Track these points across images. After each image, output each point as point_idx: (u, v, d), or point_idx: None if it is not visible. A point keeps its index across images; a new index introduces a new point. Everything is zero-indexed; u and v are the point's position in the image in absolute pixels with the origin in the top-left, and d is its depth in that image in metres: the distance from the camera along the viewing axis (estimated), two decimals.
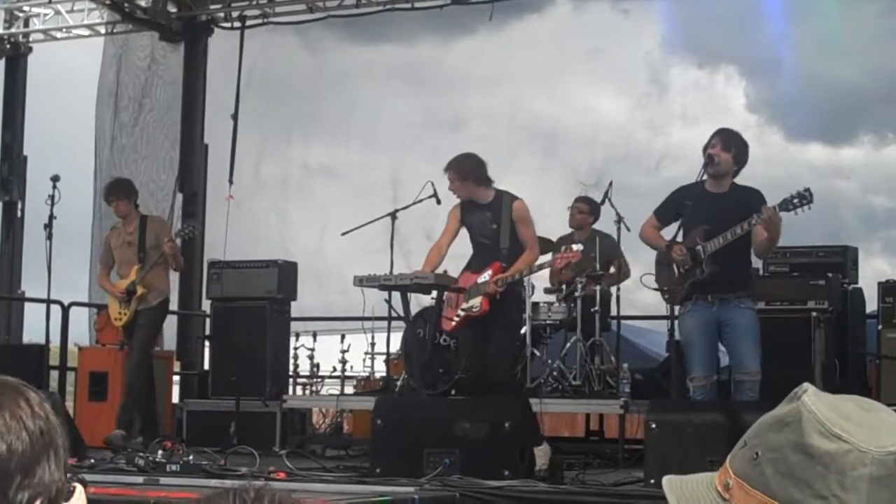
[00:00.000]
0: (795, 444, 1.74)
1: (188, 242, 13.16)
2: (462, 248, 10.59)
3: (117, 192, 12.14)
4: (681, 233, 9.27)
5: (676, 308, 9.37)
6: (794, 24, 16.28)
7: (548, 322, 12.00)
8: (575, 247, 10.80)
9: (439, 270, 10.46)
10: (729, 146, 9.13)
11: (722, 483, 1.82)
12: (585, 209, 12.50)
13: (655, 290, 9.61)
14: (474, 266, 10.28)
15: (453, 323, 10.23)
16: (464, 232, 10.50)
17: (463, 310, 10.10)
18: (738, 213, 8.95)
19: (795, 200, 8.79)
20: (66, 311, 13.58)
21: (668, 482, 1.92)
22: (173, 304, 15.95)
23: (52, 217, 11.20)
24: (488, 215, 10.18)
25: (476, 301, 10.06)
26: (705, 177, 9.13)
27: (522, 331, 11.62)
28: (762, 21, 16.58)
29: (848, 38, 16.62)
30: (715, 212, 9.06)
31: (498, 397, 10.06)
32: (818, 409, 1.73)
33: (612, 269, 12.11)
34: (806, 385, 1.80)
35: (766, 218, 8.76)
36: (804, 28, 16.76)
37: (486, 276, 10.05)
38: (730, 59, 19.26)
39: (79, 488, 1.92)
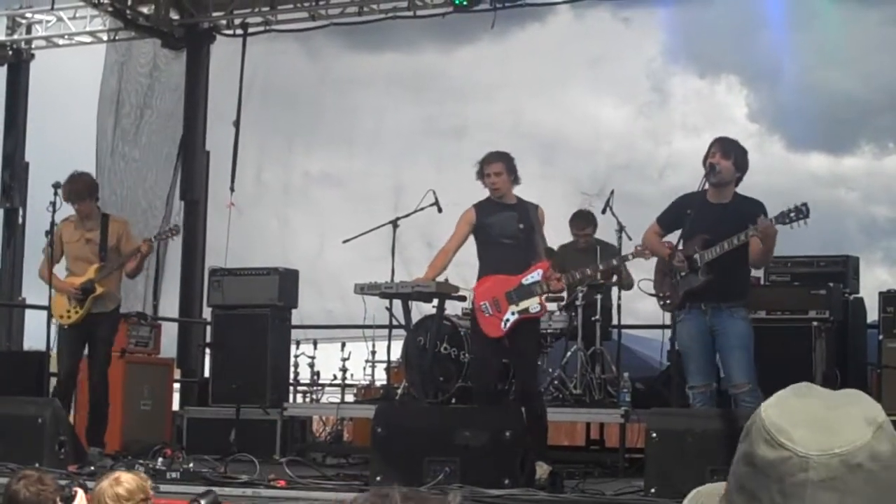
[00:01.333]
0: (745, 455, 1.76)
1: (165, 245, 12.79)
2: (463, 255, 10.53)
3: (83, 192, 11.43)
4: (681, 241, 9.28)
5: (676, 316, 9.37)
6: (795, 33, 16.31)
7: (548, 331, 11.98)
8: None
9: (441, 278, 10.41)
10: (728, 153, 9.13)
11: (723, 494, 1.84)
12: (589, 231, 12.53)
13: (653, 295, 9.62)
14: (501, 268, 10.08)
15: (504, 326, 10.01)
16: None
17: (518, 312, 9.94)
18: (738, 224, 8.95)
19: (792, 214, 8.82)
20: None
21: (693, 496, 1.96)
22: (173, 312, 16.03)
23: (53, 224, 11.13)
24: (514, 215, 10.03)
25: (533, 301, 9.90)
26: (707, 186, 9.13)
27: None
28: (763, 30, 16.61)
29: (849, 47, 16.66)
30: (715, 221, 9.06)
31: (497, 406, 10.05)
32: (768, 416, 1.74)
33: (614, 278, 12.11)
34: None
35: (762, 230, 8.78)
36: (805, 37, 16.79)
37: (535, 276, 9.91)
38: (731, 69, 19.31)
39: (80, 493, 1.93)
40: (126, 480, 4.76)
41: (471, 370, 11.13)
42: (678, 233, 9.28)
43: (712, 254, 8.96)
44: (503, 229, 10.05)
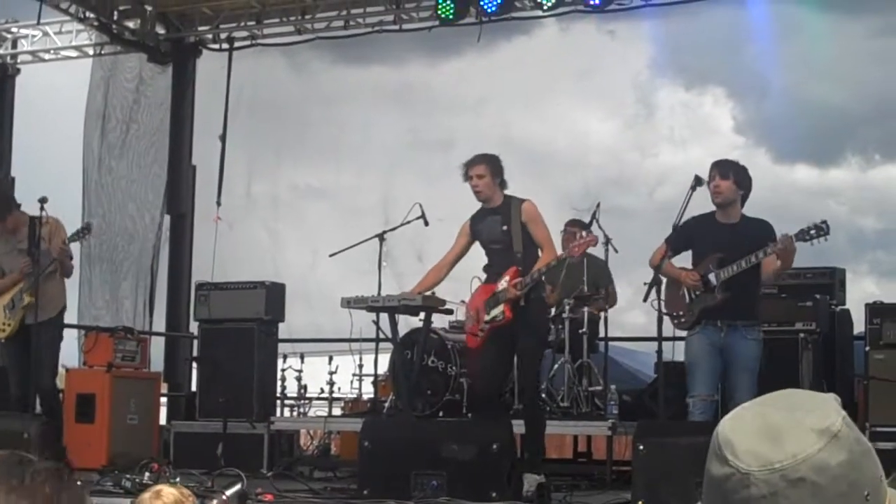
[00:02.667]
0: (706, 471, 1.77)
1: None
2: (461, 272, 10.52)
3: (5, 207, 11.18)
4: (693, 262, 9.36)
5: (670, 330, 9.39)
6: (781, 45, 16.34)
7: None
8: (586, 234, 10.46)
9: (429, 293, 10.39)
10: (726, 174, 9.18)
11: None
12: (578, 230, 12.50)
13: (666, 314, 9.56)
14: (490, 276, 10.10)
15: (479, 338, 10.04)
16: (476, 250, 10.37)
17: (486, 322, 9.95)
18: (749, 244, 9.04)
19: (812, 231, 8.89)
20: None
21: None
22: (159, 326, 15.99)
23: (39, 238, 11.06)
24: (498, 218, 9.99)
25: (498, 310, 9.86)
26: (713, 207, 9.21)
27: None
28: (749, 43, 16.64)
29: (835, 59, 16.71)
30: (728, 241, 9.13)
31: (487, 419, 10.02)
32: (722, 429, 1.75)
33: (602, 292, 12.12)
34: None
35: (783, 248, 8.84)
36: (791, 50, 16.84)
37: (503, 284, 9.90)
38: (717, 81, 19.38)
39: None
40: (166, 494, 4.73)
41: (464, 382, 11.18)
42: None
43: (729, 272, 9.02)
44: (490, 234, 10.04)
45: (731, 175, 9.21)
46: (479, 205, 10.10)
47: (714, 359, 9.12)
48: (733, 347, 9.09)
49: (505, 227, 9.95)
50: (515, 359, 10.05)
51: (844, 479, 1.69)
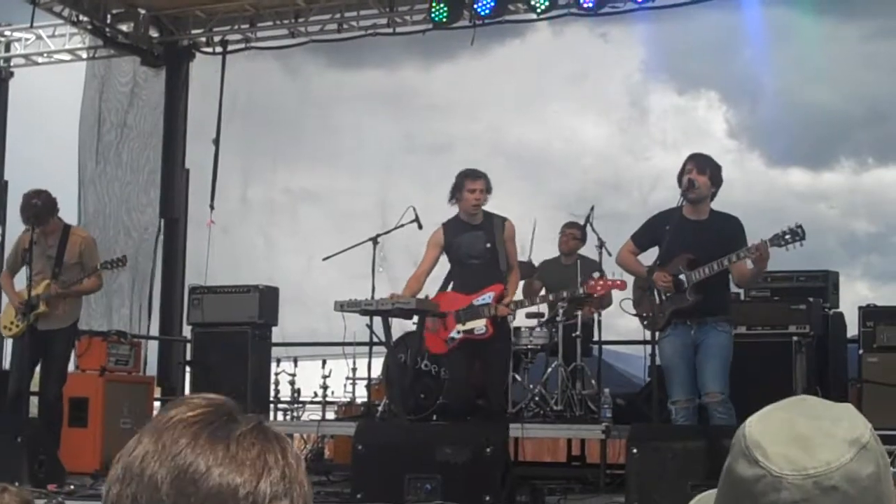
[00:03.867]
0: (727, 470, 1.75)
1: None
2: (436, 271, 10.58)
3: (43, 215, 11.03)
4: (659, 258, 9.29)
5: (657, 333, 9.35)
6: (774, 49, 16.34)
7: (529, 347, 11.99)
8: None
9: (422, 297, 10.45)
10: (704, 168, 9.15)
11: None
12: (578, 234, 12.52)
13: (635, 315, 9.61)
14: (462, 287, 10.17)
15: (448, 345, 10.10)
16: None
17: (463, 331, 9.99)
18: (719, 242, 8.98)
19: (787, 236, 8.81)
20: None
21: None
22: (153, 329, 15.97)
23: (33, 242, 11.03)
24: (481, 234, 10.12)
25: (480, 323, 9.96)
26: (683, 202, 9.13)
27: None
28: (742, 47, 16.65)
29: (828, 63, 16.72)
30: (696, 239, 9.07)
31: (481, 422, 10.05)
32: (750, 431, 1.73)
33: (595, 295, 12.10)
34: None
35: (755, 253, 8.80)
36: (784, 54, 16.83)
37: (486, 298, 9.95)
38: (710, 85, 19.37)
39: None
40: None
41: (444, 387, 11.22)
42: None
43: (701, 274, 8.96)
44: (470, 249, 10.15)
45: (708, 171, 9.18)
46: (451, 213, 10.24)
47: (688, 360, 9.09)
48: (704, 340, 9.05)
49: (489, 245, 10.09)
50: (485, 373, 10.17)
51: (872, 491, 1.68)
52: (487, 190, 10.15)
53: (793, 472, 1.67)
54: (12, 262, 11.42)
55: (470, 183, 10.13)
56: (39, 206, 11.03)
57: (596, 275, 10.84)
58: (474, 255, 10.17)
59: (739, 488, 1.71)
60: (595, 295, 10.64)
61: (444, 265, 10.63)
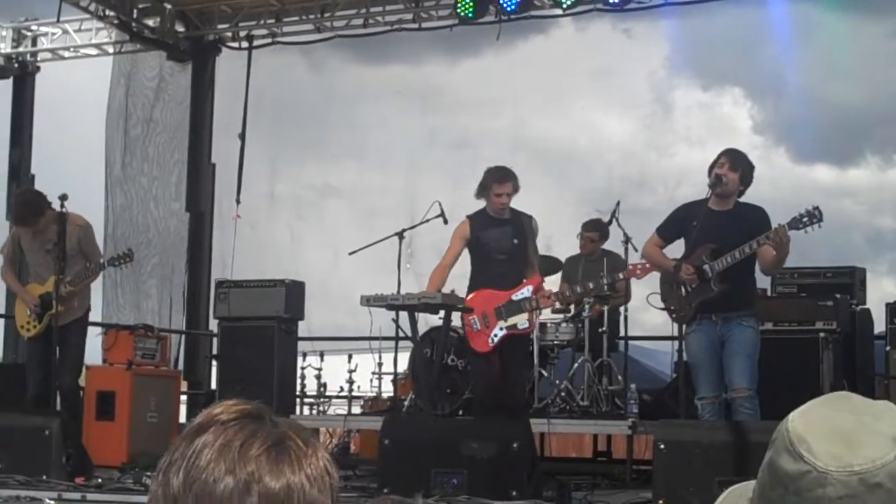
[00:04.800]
0: (769, 464, 1.75)
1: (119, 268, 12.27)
2: (461, 268, 10.57)
3: (28, 217, 10.89)
4: (686, 251, 9.29)
5: (683, 328, 9.33)
6: (799, 46, 16.30)
7: (555, 342, 12.00)
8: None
9: (446, 290, 10.44)
10: (736, 166, 9.12)
11: None
12: (595, 237, 12.52)
13: (662, 309, 9.60)
14: (491, 283, 10.16)
15: (492, 342, 10.09)
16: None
17: (506, 327, 9.99)
18: (744, 231, 8.95)
19: (805, 219, 8.76)
20: None
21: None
22: (178, 324, 16.02)
23: (60, 235, 11.03)
24: (508, 230, 10.11)
25: (522, 318, 9.96)
26: (710, 194, 9.11)
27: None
28: (767, 43, 16.61)
29: (854, 60, 16.68)
30: (720, 230, 9.04)
31: (506, 417, 10.04)
32: (794, 426, 1.73)
33: (618, 289, 12.09)
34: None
35: (776, 238, 8.75)
36: (810, 50, 16.81)
37: (525, 292, 9.95)
38: (735, 81, 19.34)
39: None
40: None
41: (470, 382, 11.20)
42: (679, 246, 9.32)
43: (724, 263, 8.95)
44: (498, 244, 10.13)
45: (741, 169, 9.16)
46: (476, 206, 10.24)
47: (714, 356, 9.08)
48: (729, 335, 9.05)
49: (516, 241, 10.06)
50: (510, 369, 10.19)
51: None
52: (515, 190, 10.14)
53: (838, 468, 1.67)
54: (10, 255, 11.27)
55: (497, 187, 10.12)
56: (25, 207, 10.98)
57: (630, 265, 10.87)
58: (502, 251, 10.15)
59: (783, 483, 1.71)
60: (636, 278, 10.58)
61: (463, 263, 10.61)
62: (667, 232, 9.46)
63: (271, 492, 1.75)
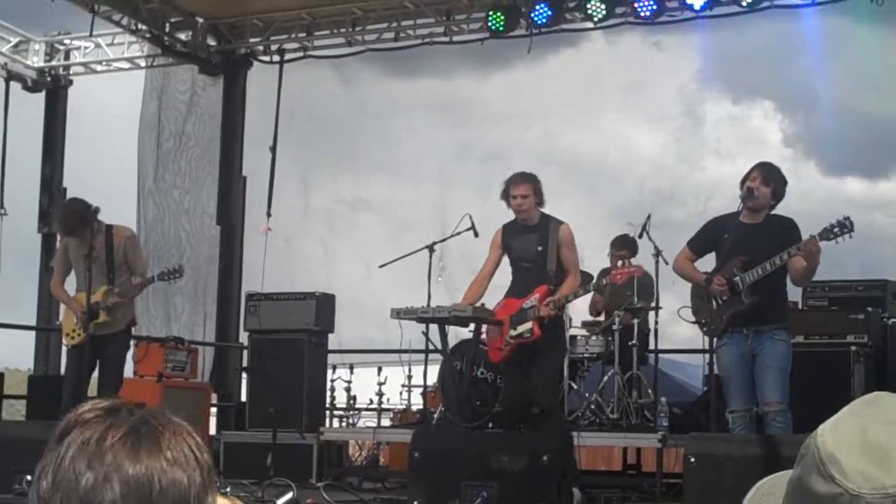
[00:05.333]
0: (799, 482, 1.71)
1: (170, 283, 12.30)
2: (503, 279, 10.57)
3: (76, 226, 10.91)
4: (717, 264, 9.28)
5: (714, 341, 9.31)
6: (830, 58, 16.26)
7: (585, 355, 12.00)
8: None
9: (478, 304, 10.45)
10: (768, 180, 9.11)
11: None
12: (625, 253, 12.51)
13: (693, 322, 9.58)
14: (517, 291, 10.19)
15: (502, 352, 10.13)
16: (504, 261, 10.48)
17: (512, 337, 10.01)
18: (775, 243, 8.93)
19: (836, 229, 8.73)
20: None
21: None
22: (209, 336, 16.06)
23: (91, 248, 11.08)
24: (534, 237, 10.11)
25: (526, 326, 9.95)
26: (741, 207, 9.11)
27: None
28: (798, 56, 16.57)
29: (885, 72, 16.60)
30: (751, 242, 9.04)
31: (537, 430, 10.04)
32: (824, 444, 1.68)
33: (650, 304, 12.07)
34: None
35: (807, 249, 8.73)
36: (841, 63, 16.76)
37: (532, 301, 9.96)
38: (765, 94, 19.29)
39: None
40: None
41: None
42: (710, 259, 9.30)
43: (755, 275, 8.93)
44: (523, 252, 10.15)
45: (773, 184, 9.14)
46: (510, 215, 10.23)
47: (745, 369, 9.07)
48: (761, 349, 9.03)
49: (540, 248, 10.07)
50: (531, 373, 10.15)
51: None
52: (535, 193, 10.11)
53: (871, 490, 1.63)
54: (61, 266, 11.32)
55: (513, 188, 10.15)
56: (69, 219, 11.00)
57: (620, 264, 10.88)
58: (526, 258, 10.17)
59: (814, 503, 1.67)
60: (617, 283, 10.58)
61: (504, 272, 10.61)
62: (698, 245, 9.46)
63: (131, 477, 1.79)
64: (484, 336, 10.78)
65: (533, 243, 10.13)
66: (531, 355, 10.05)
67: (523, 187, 10.07)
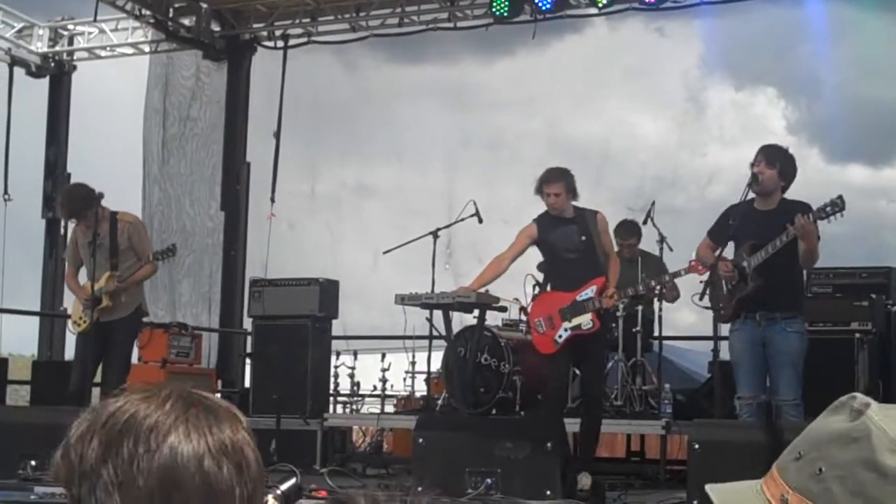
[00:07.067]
0: (866, 462, 1.69)
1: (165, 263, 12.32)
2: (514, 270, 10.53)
3: (79, 208, 10.97)
4: (734, 251, 9.28)
5: (721, 328, 9.30)
6: (834, 45, 16.22)
7: None
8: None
9: (483, 290, 10.42)
10: (773, 162, 9.07)
11: (777, 497, 1.77)
12: (634, 241, 12.50)
13: (708, 308, 9.54)
14: (564, 281, 10.14)
15: (556, 344, 10.07)
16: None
17: (570, 328, 9.98)
18: (783, 227, 8.91)
19: (828, 208, 8.72)
20: None
21: (714, 491, 1.91)
22: (212, 322, 16.07)
23: (95, 234, 11.08)
24: (573, 228, 10.06)
25: (586, 318, 9.93)
26: (751, 195, 9.09)
27: None
28: (801, 42, 16.54)
29: (889, 58, 16.57)
30: (761, 227, 9.01)
31: (539, 417, 10.06)
32: (887, 425, 1.69)
33: (658, 289, 12.01)
34: (860, 397, 1.76)
35: (799, 227, 8.71)
36: (844, 49, 16.72)
37: (588, 293, 9.95)
38: (768, 81, 19.25)
39: None
40: None
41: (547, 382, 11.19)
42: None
43: (759, 258, 8.93)
44: (566, 243, 10.09)
45: (778, 164, 9.10)
46: (539, 207, 10.18)
47: (755, 356, 9.05)
48: (773, 342, 9.01)
49: (584, 238, 10.03)
50: (585, 362, 10.16)
51: None
52: (568, 190, 10.08)
53: None
54: (72, 257, 11.39)
55: (546, 187, 10.11)
56: (74, 201, 11.07)
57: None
58: (570, 249, 10.09)
59: (893, 481, 1.67)
60: (698, 273, 10.53)
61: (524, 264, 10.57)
62: (716, 234, 9.42)
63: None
64: (490, 323, 10.77)
65: (574, 233, 10.09)
66: (584, 345, 10.03)
67: (556, 186, 10.04)
